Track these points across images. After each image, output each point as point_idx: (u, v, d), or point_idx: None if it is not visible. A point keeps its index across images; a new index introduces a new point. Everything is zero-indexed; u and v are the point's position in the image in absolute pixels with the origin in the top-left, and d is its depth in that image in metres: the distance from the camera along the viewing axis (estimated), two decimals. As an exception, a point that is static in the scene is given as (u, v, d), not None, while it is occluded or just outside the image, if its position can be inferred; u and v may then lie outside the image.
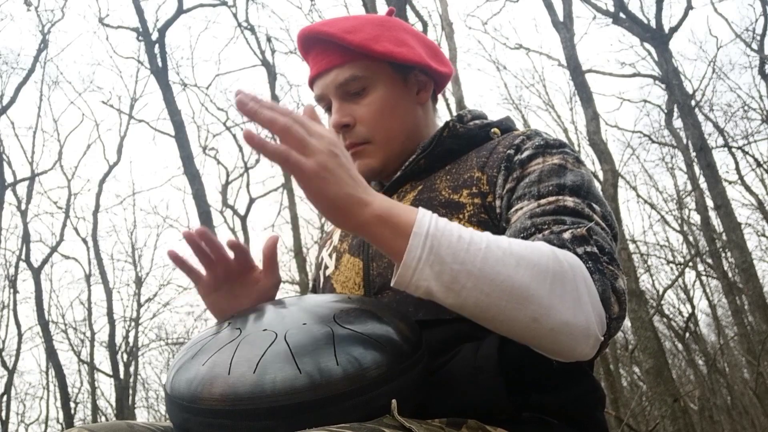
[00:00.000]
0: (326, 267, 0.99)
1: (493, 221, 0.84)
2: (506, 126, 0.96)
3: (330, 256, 0.99)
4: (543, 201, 0.78)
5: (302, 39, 0.96)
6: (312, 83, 0.97)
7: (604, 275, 0.71)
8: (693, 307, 13.35)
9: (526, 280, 0.65)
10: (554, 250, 0.68)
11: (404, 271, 0.65)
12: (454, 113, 7.41)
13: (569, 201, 0.78)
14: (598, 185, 0.83)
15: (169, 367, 0.71)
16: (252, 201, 12.08)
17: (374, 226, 0.66)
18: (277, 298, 0.90)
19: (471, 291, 0.64)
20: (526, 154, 0.85)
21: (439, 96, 1.08)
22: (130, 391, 12.59)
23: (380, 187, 0.99)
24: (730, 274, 10.49)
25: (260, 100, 0.66)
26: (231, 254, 0.88)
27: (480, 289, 0.64)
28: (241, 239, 11.93)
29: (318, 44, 0.95)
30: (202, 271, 0.89)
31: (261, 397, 0.60)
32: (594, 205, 0.79)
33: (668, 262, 14.03)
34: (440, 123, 1.00)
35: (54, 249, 12.05)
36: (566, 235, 0.72)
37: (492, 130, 0.94)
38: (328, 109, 0.97)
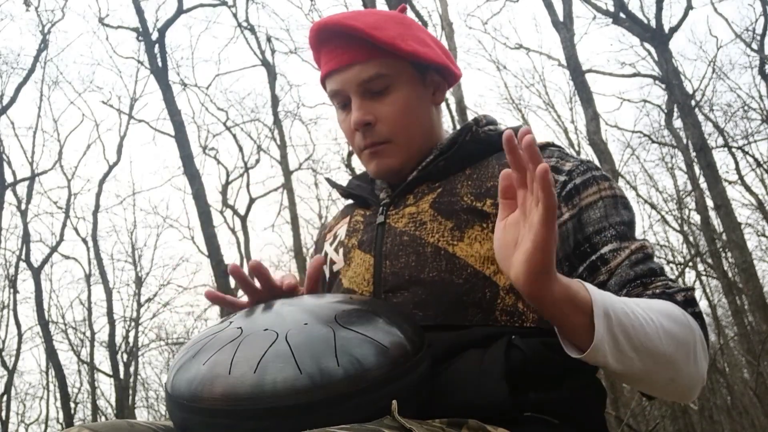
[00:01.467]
0: (333, 262, 0.97)
1: None
2: None
3: (336, 250, 0.97)
4: (633, 248, 0.84)
5: (319, 31, 0.92)
6: (327, 77, 0.94)
7: (705, 330, 0.80)
8: (693, 307, 13.32)
9: (672, 350, 0.74)
10: (686, 319, 0.77)
11: (594, 353, 0.69)
12: (454, 113, 7.44)
13: (648, 248, 0.85)
14: None
15: (169, 367, 0.71)
16: (252, 201, 12.08)
17: (560, 302, 0.68)
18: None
19: (634, 362, 0.72)
20: (579, 180, 0.87)
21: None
22: (130, 391, 12.59)
23: (391, 187, 0.98)
24: (730, 274, 10.49)
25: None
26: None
27: (642, 360, 0.72)
28: (241, 239, 11.93)
29: (337, 38, 0.91)
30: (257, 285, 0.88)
31: (261, 397, 0.60)
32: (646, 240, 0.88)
33: (668, 262, 14.02)
34: (444, 124, 1.00)
35: (54, 249, 12.06)
36: (679, 298, 0.80)
37: None
38: (344, 106, 0.94)
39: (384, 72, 0.90)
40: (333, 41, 0.92)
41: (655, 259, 0.85)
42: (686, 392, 0.80)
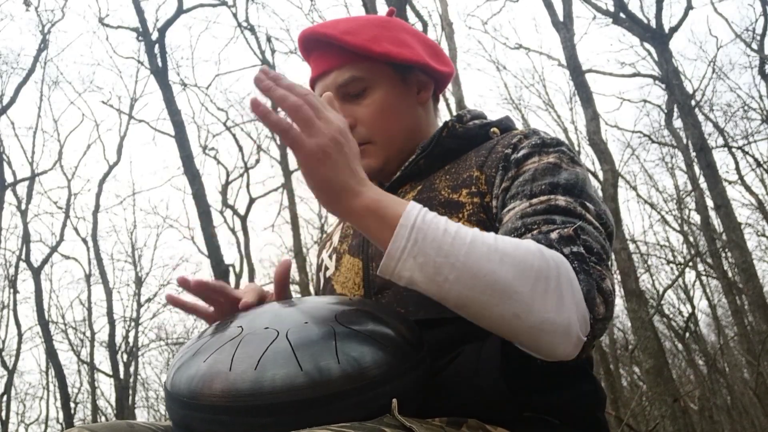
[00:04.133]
0: (326, 268, 0.99)
1: (490, 221, 0.84)
2: (506, 125, 0.96)
3: (330, 257, 0.99)
4: (535, 200, 0.78)
5: (303, 40, 0.97)
6: (313, 85, 0.97)
7: (589, 275, 0.70)
8: (693, 307, 13.37)
9: (509, 276, 0.66)
10: (541, 249, 0.69)
11: (388, 260, 0.67)
12: (455, 113, 7.42)
13: (561, 200, 0.77)
14: (596, 184, 0.85)
15: (169, 366, 0.71)
16: (252, 201, 12.08)
17: (362, 216, 0.69)
18: None
19: (453, 284, 0.66)
20: (522, 153, 0.84)
21: (440, 96, 1.08)
22: (130, 391, 12.59)
23: (380, 188, 0.99)
24: (730, 274, 10.50)
25: (279, 78, 0.68)
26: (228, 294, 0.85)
27: (463, 282, 0.65)
28: (241, 239, 11.93)
29: (318, 46, 0.95)
30: (207, 307, 0.87)
31: (261, 394, 0.60)
32: (587, 204, 0.79)
33: (668, 262, 14.04)
34: (441, 123, 1.00)
35: (54, 249, 12.06)
36: (553, 235, 0.73)
37: (491, 129, 0.94)
38: None
39: (359, 75, 0.93)
40: (315, 50, 0.96)
41: (566, 216, 0.75)
42: (544, 338, 0.67)
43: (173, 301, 0.87)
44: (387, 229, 0.67)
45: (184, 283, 0.84)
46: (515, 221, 0.77)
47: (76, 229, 13.01)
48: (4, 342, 12.61)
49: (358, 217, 0.69)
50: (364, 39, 0.92)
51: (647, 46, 9.93)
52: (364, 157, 0.93)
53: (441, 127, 0.94)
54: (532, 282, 0.66)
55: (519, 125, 1.00)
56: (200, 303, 0.87)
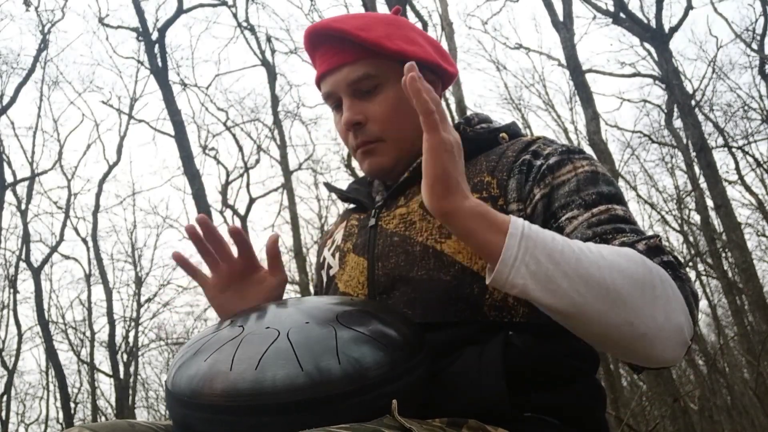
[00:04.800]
0: (329, 267, 0.98)
1: None
2: (513, 131, 0.97)
3: (333, 255, 0.98)
4: (595, 210, 0.79)
5: (311, 35, 0.94)
6: (320, 80, 0.96)
7: (683, 281, 0.72)
8: (693, 307, 13.32)
9: (619, 283, 0.65)
10: (642, 257, 0.69)
11: (502, 268, 0.65)
12: (454, 113, 7.44)
13: (619, 209, 0.80)
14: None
15: (170, 366, 0.71)
16: (252, 201, 12.07)
17: (471, 216, 0.67)
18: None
19: (567, 291, 0.65)
20: (553, 160, 0.85)
21: (440, 96, 1.08)
22: (130, 391, 12.59)
23: (386, 189, 0.98)
24: (730, 274, 10.49)
25: (421, 78, 0.68)
26: (234, 250, 0.89)
27: (576, 290, 0.65)
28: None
29: (328, 41, 0.93)
30: (207, 273, 0.90)
31: (261, 394, 0.60)
32: (630, 213, 0.82)
33: (668, 262, 14.01)
34: None
35: (54, 249, 12.06)
36: (641, 247, 0.74)
37: (500, 134, 0.95)
38: (337, 107, 0.96)
39: (372, 72, 0.91)
40: (324, 45, 0.94)
41: (630, 225, 0.78)
42: (657, 344, 0.67)
43: (179, 260, 0.89)
44: (497, 233, 0.66)
45: (203, 221, 0.87)
46: (584, 230, 0.78)
47: (76, 229, 13.01)
48: (4, 342, 12.61)
49: (466, 218, 0.67)
50: (378, 35, 0.91)
51: (647, 46, 9.94)
52: (376, 155, 0.93)
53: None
54: (641, 289, 0.66)
55: (519, 125, 1.01)
56: (202, 269, 0.90)
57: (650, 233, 0.77)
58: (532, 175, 0.85)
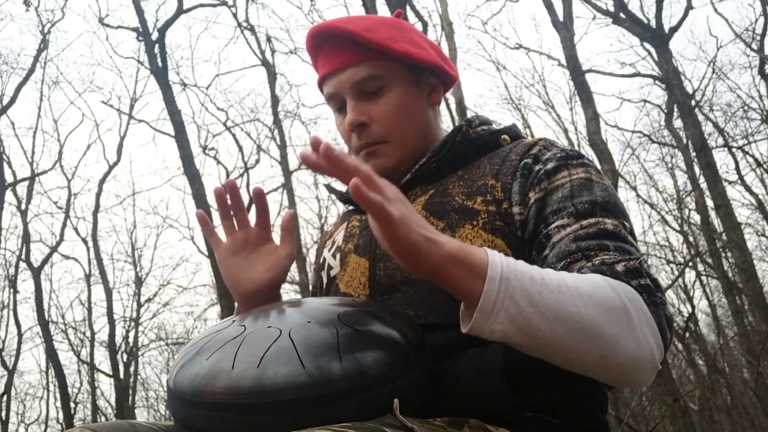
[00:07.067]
0: (330, 267, 0.98)
1: (509, 227, 0.84)
2: (514, 133, 0.97)
3: (334, 256, 0.98)
4: (584, 222, 0.79)
5: (315, 36, 0.94)
6: (323, 81, 0.95)
7: (657, 306, 0.73)
8: (693, 307, 13.34)
9: (595, 318, 0.66)
10: (614, 286, 0.70)
11: (480, 315, 0.63)
12: (454, 113, 7.44)
13: (609, 224, 0.79)
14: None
15: (171, 366, 0.72)
16: (252, 201, 12.07)
17: (450, 266, 0.64)
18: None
19: (545, 333, 0.64)
20: (550, 165, 0.85)
21: (441, 99, 1.08)
22: (130, 391, 12.59)
23: None
24: (730, 274, 10.50)
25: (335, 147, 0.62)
26: (252, 219, 0.92)
27: (554, 330, 0.65)
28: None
29: (332, 42, 0.93)
30: (223, 237, 0.92)
31: (263, 392, 0.60)
32: (625, 223, 0.81)
33: (668, 262, 14.04)
34: (443, 125, 1.00)
35: (54, 249, 12.06)
36: (620, 268, 0.74)
37: (502, 136, 0.95)
38: (340, 108, 0.96)
39: (377, 73, 0.91)
40: (328, 45, 0.93)
41: (616, 242, 0.77)
42: (630, 372, 0.69)
43: (203, 219, 0.92)
44: (476, 279, 0.63)
45: (231, 185, 0.90)
46: (569, 244, 0.78)
47: (76, 229, 13.01)
48: (4, 342, 12.61)
49: (447, 268, 0.64)
50: (384, 37, 0.90)
51: (647, 46, 9.94)
52: (379, 157, 0.93)
53: (454, 131, 0.94)
54: (615, 321, 0.67)
55: (519, 125, 1.01)
56: (218, 234, 0.93)
57: (634, 254, 0.77)
58: (530, 179, 0.85)
